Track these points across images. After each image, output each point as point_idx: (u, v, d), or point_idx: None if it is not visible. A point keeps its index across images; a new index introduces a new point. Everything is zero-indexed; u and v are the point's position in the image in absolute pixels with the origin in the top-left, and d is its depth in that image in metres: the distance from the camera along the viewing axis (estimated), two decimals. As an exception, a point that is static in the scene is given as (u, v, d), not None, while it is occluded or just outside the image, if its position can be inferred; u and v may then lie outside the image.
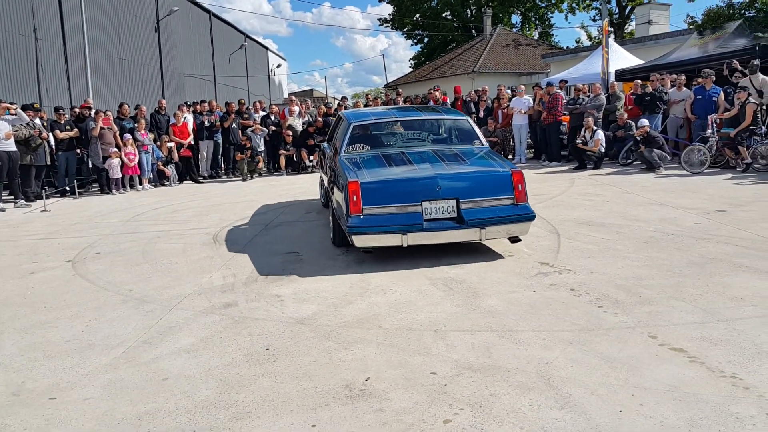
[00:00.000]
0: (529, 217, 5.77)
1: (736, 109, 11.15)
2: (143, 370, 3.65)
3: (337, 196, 6.17)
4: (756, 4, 18.08)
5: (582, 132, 12.96)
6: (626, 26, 37.40)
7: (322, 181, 9.12)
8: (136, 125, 13.57)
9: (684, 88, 13.09)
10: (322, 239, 7.11)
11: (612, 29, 35.43)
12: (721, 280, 4.80)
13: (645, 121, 12.16)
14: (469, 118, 7.54)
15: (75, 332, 4.39)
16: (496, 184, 5.80)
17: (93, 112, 13.39)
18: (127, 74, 27.40)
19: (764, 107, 11.50)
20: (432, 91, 16.49)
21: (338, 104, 17.36)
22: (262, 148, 15.22)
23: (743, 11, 18.55)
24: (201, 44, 37.12)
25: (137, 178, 13.41)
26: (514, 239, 5.97)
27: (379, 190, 5.66)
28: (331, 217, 6.73)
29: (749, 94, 11.15)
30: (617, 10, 37.97)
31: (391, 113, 7.89)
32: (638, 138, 11.98)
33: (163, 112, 14.83)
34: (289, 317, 4.47)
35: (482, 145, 7.00)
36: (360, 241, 5.59)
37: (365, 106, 16.07)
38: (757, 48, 13.23)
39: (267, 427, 2.93)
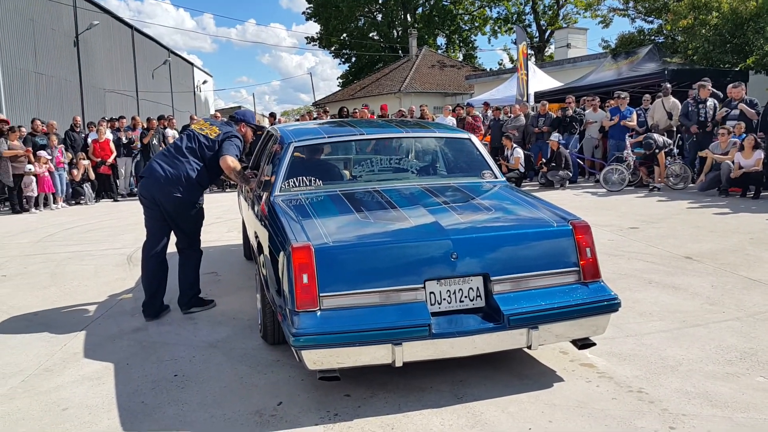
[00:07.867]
0: (610, 304, 3.44)
1: (641, 137, 11.76)
2: (42, 400, 3.44)
3: (272, 262, 3.65)
4: (663, 31, 19.10)
5: (505, 152, 13.29)
6: (546, 49, 38.71)
7: (244, 225, 6.47)
8: (48, 141, 13.02)
9: (599, 110, 13.64)
10: (240, 258, 6.94)
11: (532, 52, 36.66)
12: (632, 296, 4.95)
13: (557, 135, 12.69)
14: (474, 137, 5.02)
15: (-32, 362, 4.11)
16: (548, 247, 3.48)
17: (7, 127, 12.75)
18: (44, 89, 26.29)
19: (674, 129, 12.12)
20: (359, 110, 16.53)
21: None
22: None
23: (653, 37, 19.56)
24: (123, 59, 36.07)
25: (51, 197, 12.82)
26: (584, 343, 3.52)
27: (348, 261, 3.23)
28: (258, 295, 4.29)
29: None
30: (537, 34, 39.31)
31: (355, 130, 4.98)
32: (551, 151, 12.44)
33: (78, 130, 14.28)
34: (202, 341, 4.32)
35: (496, 177, 4.62)
36: (317, 358, 3.10)
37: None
38: (665, 72, 13.97)
39: (171, 458, 2.81)
